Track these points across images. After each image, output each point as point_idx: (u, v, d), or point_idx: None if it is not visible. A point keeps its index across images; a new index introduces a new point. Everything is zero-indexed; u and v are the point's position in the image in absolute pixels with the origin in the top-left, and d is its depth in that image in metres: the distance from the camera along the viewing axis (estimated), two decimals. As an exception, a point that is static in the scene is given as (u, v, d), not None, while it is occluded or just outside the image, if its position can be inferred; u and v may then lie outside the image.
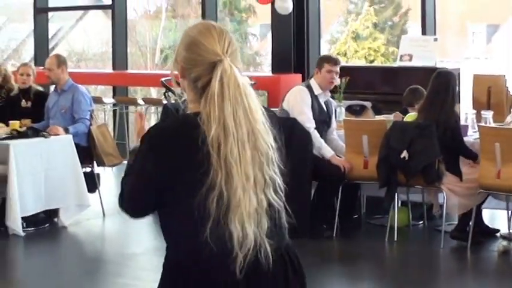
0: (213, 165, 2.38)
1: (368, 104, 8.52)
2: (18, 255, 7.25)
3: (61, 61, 8.18)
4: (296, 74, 10.56)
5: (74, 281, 6.32)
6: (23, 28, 20.03)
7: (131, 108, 12.09)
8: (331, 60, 7.55)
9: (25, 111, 8.19)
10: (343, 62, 9.23)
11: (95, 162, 8.13)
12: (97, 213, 8.04)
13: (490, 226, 7.26)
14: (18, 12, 20.27)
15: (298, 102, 7.31)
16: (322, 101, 7.45)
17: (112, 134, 9.11)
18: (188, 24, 14.93)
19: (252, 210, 2.40)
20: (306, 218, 6.93)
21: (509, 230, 7.11)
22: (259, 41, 22.13)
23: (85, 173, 7.86)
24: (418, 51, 9.21)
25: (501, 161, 6.48)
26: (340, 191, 7.16)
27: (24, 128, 7.69)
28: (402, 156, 6.77)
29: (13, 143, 7.30)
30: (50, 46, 15.18)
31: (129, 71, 13.08)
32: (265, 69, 19.73)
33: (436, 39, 9.47)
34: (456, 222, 7.06)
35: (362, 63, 19.06)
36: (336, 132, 7.60)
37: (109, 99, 12.55)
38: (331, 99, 7.67)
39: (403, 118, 7.29)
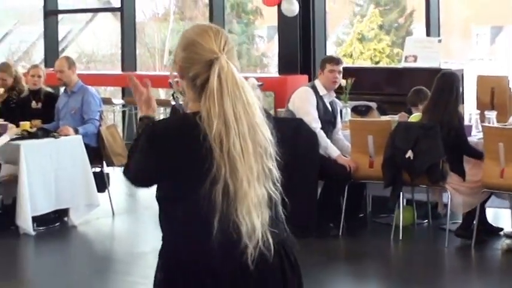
0: (215, 159, 2.43)
1: (373, 104, 8.54)
2: (29, 255, 7.30)
3: (71, 63, 8.22)
4: (302, 75, 10.59)
5: (83, 279, 6.34)
6: (33, 30, 20.08)
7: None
8: (332, 60, 7.61)
9: (35, 112, 8.19)
10: (349, 63, 9.29)
11: (104, 162, 8.15)
12: (106, 212, 8.06)
13: (494, 225, 7.29)
14: (28, 15, 20.34)
15: (303, 103, 7.33)
16: (327, 101, 7.47)
17: (121, 134, 9.15)
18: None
19: (257, 202, 2.44)
20: (312, 216, 7.02)
21: (512, 228, 7.18)
22: (266, 42, 22.15)
23: (94, 173, 7.88)
24: (422, 53, 9.21)
25: (504, 160, 6.53)
26: (346, 190, 7.18)
27: (34, 129, 7.69)
28: (407, 156, 6.79)
29: (23, 144, 7.33)
30: (60, 48, 15.27)
31: (138, 72, 13.14)
32: (272, 71, 19.73)
33: (440, 41, 9.50)
34: (460, 221, 7.10)
35: (367, 64, 19.03)
36: (342, 133, 7.63)
37: (118, 100, 12.63)
38: (336, 99, 7.69)
39: (408, 118, 7.34)
